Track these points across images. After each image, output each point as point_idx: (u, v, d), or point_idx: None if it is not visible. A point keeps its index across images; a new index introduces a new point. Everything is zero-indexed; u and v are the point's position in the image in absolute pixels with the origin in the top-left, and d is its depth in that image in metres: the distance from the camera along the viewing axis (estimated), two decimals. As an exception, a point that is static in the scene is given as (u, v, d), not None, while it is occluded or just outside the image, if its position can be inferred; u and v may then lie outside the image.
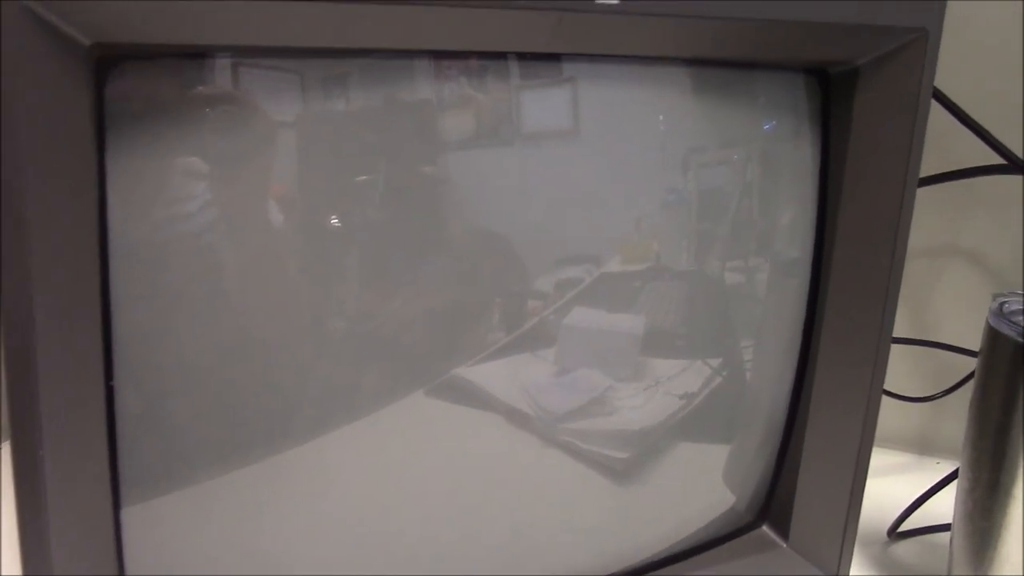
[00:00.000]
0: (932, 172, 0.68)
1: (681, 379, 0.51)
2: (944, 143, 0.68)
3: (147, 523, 0.41)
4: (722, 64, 0.46)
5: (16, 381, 0.34)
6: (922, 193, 0.69)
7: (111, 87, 0.34)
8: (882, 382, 0.49)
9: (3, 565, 0.49)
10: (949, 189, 0.70)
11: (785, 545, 0.53)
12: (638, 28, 0.40)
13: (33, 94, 0.30)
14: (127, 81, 0.35)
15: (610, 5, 0.37)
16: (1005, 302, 0.53)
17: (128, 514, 0.40)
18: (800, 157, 0.50)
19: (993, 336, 0.51)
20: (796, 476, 0.52)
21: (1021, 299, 0.53)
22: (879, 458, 0.78)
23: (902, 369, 0.76)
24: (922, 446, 0.78)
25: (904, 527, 0.66)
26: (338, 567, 0.45)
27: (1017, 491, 0.50)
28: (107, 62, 0.33)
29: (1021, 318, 0.51)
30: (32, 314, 0.33)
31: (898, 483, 0.67)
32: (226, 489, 0.42)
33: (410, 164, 0.43)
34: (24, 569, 0.38)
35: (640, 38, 0.41)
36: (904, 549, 0.65)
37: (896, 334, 0.74)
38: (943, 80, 0.62)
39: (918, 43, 0.44)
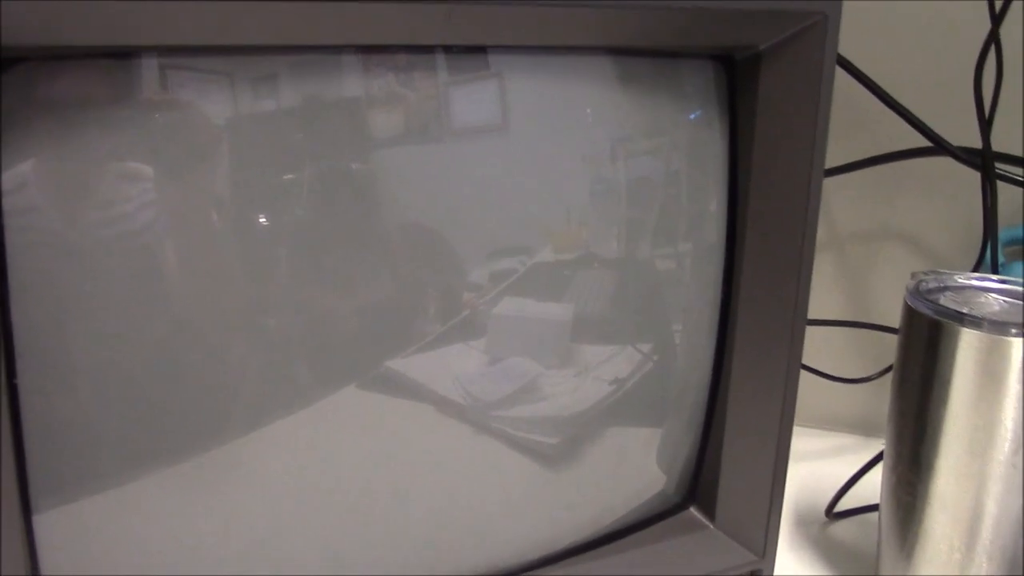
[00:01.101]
0: (863, 156, 0.70)
1: (611, 365, 0.52)
2: (875, 128, 0.69)
3: (62, 528, 0.41)
4: (634, 53, 0.47)
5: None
6: (856, 177, 0.71)
7: (8, 89, 0.34)
8: (799, 364, 0.50)
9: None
10: (882, 173, 0.71)
11: (712, 526, 0.54)
12: (530, 17, 0.40)
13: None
14: (30, 83, 0.36)
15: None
16: (922, 281, 0.54)
17: (41, 520, 0.41)
18: (717, 144, 0.51)
19: (910, 314, 0.52)
20: (720, 459, 0.53)
21: (939, 278, 0.54)
22: (824, 440, 0.79)
23: (845, 352, 0.77)
24: (867, 428, 0.79)
25: (843, 507, 0.67)
26: (271, 562, 0.46)
27: (938, 463, 0.51)
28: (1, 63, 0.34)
29: (937, 296, 0.52)
30: None
31: (841, 465, 0.68)
32: (149, 490, 0.43)
33: (339, 161, 0.43)
34: None
35: (534, 27, 0.41)
36: (841, 528, 0.67)
37: (834, 317, 0.76)
38: (873, 65, 0.63)
39: (818, 27, 0.44)
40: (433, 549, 0.49)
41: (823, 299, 0.77)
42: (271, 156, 0.42)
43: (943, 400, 0.50)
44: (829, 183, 0.72)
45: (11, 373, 0.37)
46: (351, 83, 0.43)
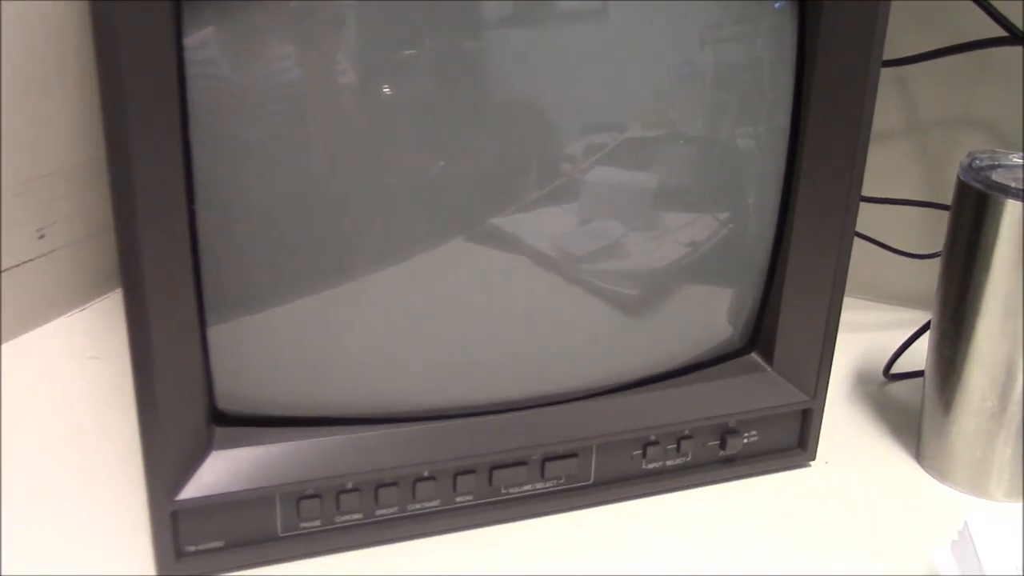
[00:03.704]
0: (940, 46, 0.73)
1: (689, 229, 0.57)
2: (952, 17, 0.73)
3: (228, 341, 0.50)
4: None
5: (119, 205, 0.44)
6: (938, 64, 0.74)
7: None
8: (852, 232, 0.56)
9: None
10: (964, 61, 0.74)
11: (770, 369, 0.60)
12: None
13: None
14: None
15: None
16: (976, 159, 0.58)
17: (213, 333, 0.50)
18: (791, 31, 0.55)
19: (961, 188, 0.57)
20: (779, 312, 0.59)
21: (993, 156, 0.59)
22: (892, 314, 0.85)
23: (920, 231, 0.81)
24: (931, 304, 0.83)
25: (901, 370, 0.73)
26: (392, 378, 0.54)
27: (978, 322, 0.57)
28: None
29: (989, 172, 0.57)
30: (127, 139, 0.43)
31: (905, 335, 0.73)
32: (295, 310, 0.51)
33: (455, 40, 0.49)
34: (135, 375, 0.47)
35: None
36: (897, 388, 0.73)
37: (913, 197, 0.80)
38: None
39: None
40: (524, 373, 0.56)
41: (903, 179, 0.82)
42: (395, 34, 0.48)
43: (985, 266, 0.56)
44: (912, 70, 0.77)
45: (191, 199, 0.46)
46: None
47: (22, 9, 0.71)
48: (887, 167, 0.82)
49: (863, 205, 0.76)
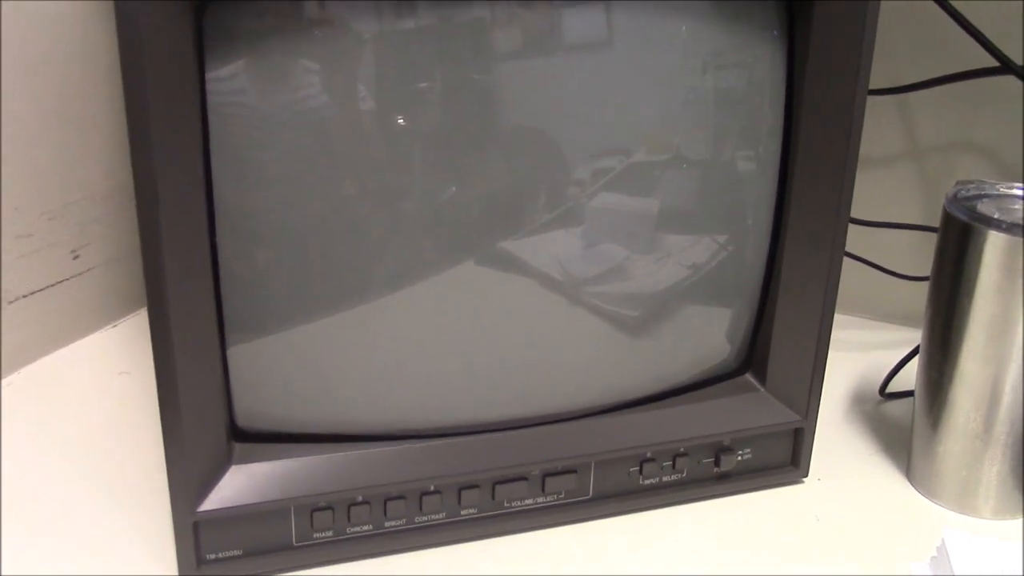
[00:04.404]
0: (939, 74, 0.75)
1: (690, 252, 0.59)
2: (954, 47, 0.74)
3: (246, 361, 0.53)
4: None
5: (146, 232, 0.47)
6: (936, 93, 0.76)
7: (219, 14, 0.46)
8: (841, 256, 0.58)
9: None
10: (961, 89, 0.76)
11: (763, 390, 0.62)
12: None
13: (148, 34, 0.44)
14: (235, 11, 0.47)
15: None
16: (962, 189, 0.61)
17: (232, 353, 0.53)
18: (781, 61, 0.57)
19: (947, 218, 0.59)
20: (772, 333, 0.61)
21: (980, 186, 0.61)
22: (889, 333, 0.86)
23: (921, 253, 0.83)
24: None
25: (897, 389, 0.75)
26: (402, 393, 0.57)
27: (962, 347, 0.59)
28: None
29: (975, 203, 0.59)
30: (152, 167, 0.45)
31: (902, 355, 0.74)
32: (307, 335, 0.54)
33: (466, 73, 0.52)
34: (159, 393, 0.50)
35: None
36: (892, 407, 0.75)
37: (914, 221, 0.82)
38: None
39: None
40: (526, 392, 0.58)
41: (903, 203, 0.84)
42: (409, 66, 0.50)
43: (969, 293, 0.58)
44: (911, 97, 0.79)
45: (212, 232, 0.49)
46: (479, 5, 0.50)
47: (59, 44, 0.75)
48: (887, 190, 0.84)
49: (866, 228, 0.79)
